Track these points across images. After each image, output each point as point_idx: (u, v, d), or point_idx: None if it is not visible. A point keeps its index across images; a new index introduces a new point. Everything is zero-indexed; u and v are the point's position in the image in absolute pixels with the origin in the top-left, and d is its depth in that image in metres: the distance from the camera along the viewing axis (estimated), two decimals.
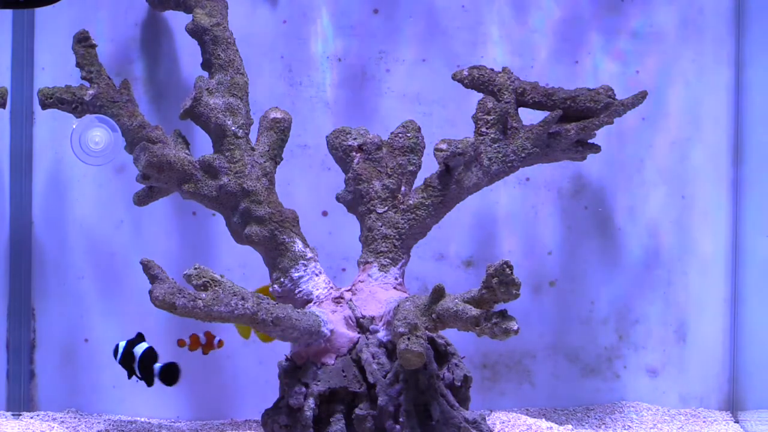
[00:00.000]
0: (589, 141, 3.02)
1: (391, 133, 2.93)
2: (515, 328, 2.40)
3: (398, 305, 2.63)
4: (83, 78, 2.96)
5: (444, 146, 2.87)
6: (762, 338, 3.31)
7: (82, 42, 2.97)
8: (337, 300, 2.81)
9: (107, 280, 3.20)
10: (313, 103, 3.23)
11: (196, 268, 2.59)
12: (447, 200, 2.90)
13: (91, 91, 2.94)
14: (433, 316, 2.54)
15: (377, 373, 2.67)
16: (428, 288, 2.91)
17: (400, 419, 2.64)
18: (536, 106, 3.00)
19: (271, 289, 2.85)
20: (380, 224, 2.87)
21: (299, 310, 2.69)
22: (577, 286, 3.32)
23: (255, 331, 2.87)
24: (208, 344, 2.95)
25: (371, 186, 2.88)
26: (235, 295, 2.57)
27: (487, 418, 2.86)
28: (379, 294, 2.80)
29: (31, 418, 3.13)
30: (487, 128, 2.95)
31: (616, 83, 3.08)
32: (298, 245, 2.84)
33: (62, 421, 3.11)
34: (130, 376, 2.85)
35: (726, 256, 3.33)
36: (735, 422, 3.26)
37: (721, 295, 3.34)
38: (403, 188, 2.89)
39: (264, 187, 2.85)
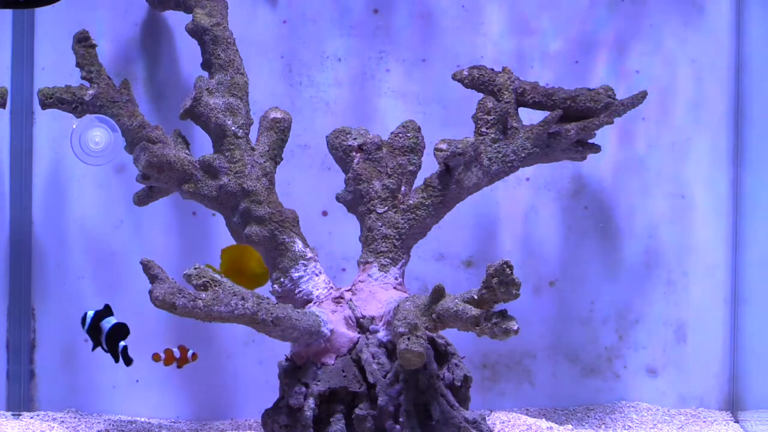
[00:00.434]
0: (589, 141, 3.02)
1: (391, 133, 2.93)
2: (515, 328, 2.40)
3: (398, 305, 2.63)
4: (83, 78, 2.96)
5: (444, 146, 2.87)
6: (762, 338, 3.31)
7: (82, 42, 2.97)
8: (337, 300, 2.81)
9: (107, 280, 3.20)
10: (313, 103, 3.23)
11: (196, 268, 2.59)
12: (447, 200, 2.90)
13: (91, 91, 2.94)
14: (433, 316, 2.54)
15: (377, 373, 2.67)
16: (428, 288, 2.91)
17: (400, 419, 2.64)
18: (536, 106, 3.00)
19: (270, 289, 2.85)
20: (380, 224, 2.87)
21: (299, 310, 2.69)
22: (577, 286, 3.32)
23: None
24: (182, 358, 2.94)
25: (371, 186, 2.88)
26: (235, 295, 2.57)
27: (487, 418, 2.86)
28: (379, 294, 2.80)
29: (31, 418, 3.13)
30: (487, 128, 2.95)
31: (616, 83, 3.08)
32: (298, 245, 2.84)
33: (62, 421, 3.11)
34: (94, 348, 2.83)
35: (726, 256, 3.33)
36: (735, 422, 3.26)
37: (721, 295, 3.34)
38: (403, 188, 2.89)
39: (264, 187, 2.85)
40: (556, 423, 3.11)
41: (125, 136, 2.92)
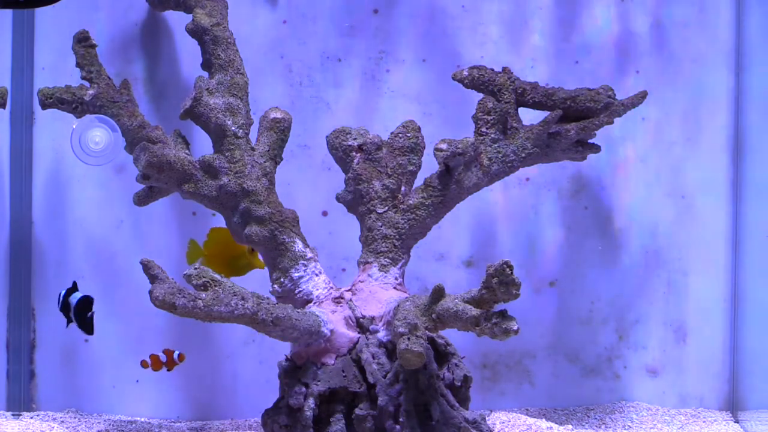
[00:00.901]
0: (589, 141, 3.02)
1: (391, 133, 2.93)
2: (515, 328, 2.40)
3: (398, 305, 2.63)
4: (83, 78, 2.96)
5: (444, 146, 2.87)
6: (762, 338, 3.31)
7: (82, 42, 2.97)
8: (337, 300, 2.81)
9: (107, 280, 3.20)
10: (313, 103, 3.23)
11: (196, 268, 2.59)
12: (447, 200, 2.90)
13: (91, 91, 2.94)
14: (433, 316, 2.54)
15: (377, 373, 2.67)
16: (428, 288, 2.91)
17: (400, 419, 2.64)
18: (536, 106, 3.00)
19: (270, 289, 2.85)
20: (380, 224, 2.87)
21: (299, 310, 2.69)
22: (577, 286, 3.32)
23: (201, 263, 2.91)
24: (169, 361, 2.95)
25: (371, 186, 2.88)
26: (235, 295, 2.57)
27: (487, 418, 2.86)
28: (379, 294, 2.80)
29: (31, 418, 3.13)
30: (487, 128, 2.95)
31: (616, 83, 3.08)
32: (298, 245, 2.84)
33: (62, 421, 3.11)
34: (68, 324, 2.85)
35: (726, 256, 3.33)
36: (735, 422, 3.26)
37: (721, 295, 3.34)
38: (403, 188, 2.89)
39: (264, 187, 2.85)
40: (556, 423, 3.11)
41: (125, 136, 2.92)
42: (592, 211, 3.32)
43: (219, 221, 2.94)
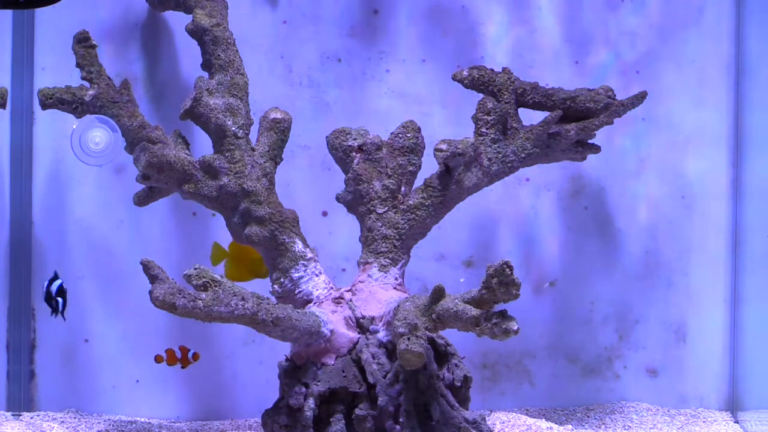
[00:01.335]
0: (589, 141, 3.02)
1: (391, 134, 2.93)
2: (515, 328, 2.40)
3: (398, 305, 2.63)
4: (83, 78, 2.96)
5: (444, 146, 2.87)
6: (762, 338, 3.31)
7: (82, 42, 2.97)
8: (337, 300, 2.81)
9: (107, 280, 3.20)
10: (313, 104, 3.23)
11: (196, 269, 2.59)
12: (447, 200, 2.90)
13: (91, 92, 2.94)
14: (433, 316, 2.54)
15: (377, 374, 2.67)
16: (428, 288, 2.91)
17: (400, 419, 2.64)
18: (536, 106, 3.00)
19: (270, 289, 2.85)
20: (380, 224, 2.87)
21: (299, 311, 2.69)
22: (577, 286, 3.32)
23: (225, 265, 2.95)
24: (183, 358, 2.96)
25: (371, 186, 2.88)
26: (235, 296, 2.57)
27: (487, 418, 2.86)
28: (379, 294, 2.80)
29: (31, 418, 3.13)
30: (487, 128, 2.95)
31: (616, 83, 3.08)
32: (298, 245, 2.84)
33: (62, 421, 3.11)
34: (52, 313, 2.89)
35: (726, 256, 3.33)
36: (735, 422, 3.26)
37: (721, 295, 3.34)
38: (403, 188, 2.89)
39: (264, 188, 2.85)
40: (556, 423, 3.11)
41: (125, 137, 2.92)
42: (592, 211, 3.32)
43: (219, 221, 2.94)
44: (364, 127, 2.95)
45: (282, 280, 2.83)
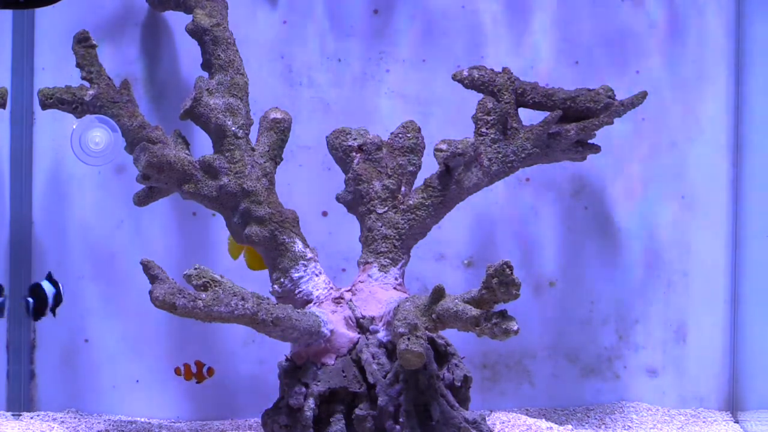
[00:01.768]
0: (589, 141, 3.02)
1: (391, 134, 2.93)
2: (515, 328, 2.40)
3: (398, 305, 2.63)
4: (83, 78, 2.96)
5: (444, 146, 2.87)
6: (762, 338, 3.31)
7: (82, 42, 2.97)
8: (337, 300, 2.81)
9: (107, 280, 3.20)
10: (313, 104, 3.23)
11: (196, 269, 2.59)
12: (447, 200, 2.90)
13: (91, 92, 2.94)
14: (433, 316, 2.54)
15: (377, 374, 2.67)
16: (428, 288, 2.91)
17: (400, 419, 2.64)
18: (536, 106, 3.00)
19: (270, 289, 2.85)
20: (380, 224, 2.87)
21: (299, 311, 2.69)
22: (577, 286, 3.32)
23: (244, 255, 2.92)
24: (199, 373, 2.97)
25: (371, 186, 2.88)
26: (235, 296, 2.57)
27: (487, 418, 2.86)
28: (379, 294, 2.80)
29: (31, 418, 3.13)
30: (487, 128, 2.95)
31: (616, 83, 3.08)
32: (298, 245, 2.84)
33: (62, 421, 3.11)
34: (54, 314, 2.91)
35: (726, 256, 3.33)
36: (735, 422, 3.26)
37: (721, 296, 3.34)
38: (403, 188, 2.89)
39: (264, 188, 2.85)
40: (556, 423, 3.11)
41: (125, 137, 2.92)
42: (592, 211, 3.32)
43: (219, 221, 2.94)
44: (364, 127, 2.95)
45: (282, 280, 2.83)
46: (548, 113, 2.96)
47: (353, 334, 2.74)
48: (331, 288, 2.85)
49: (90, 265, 3.20)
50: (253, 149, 2.88)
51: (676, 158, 3.32)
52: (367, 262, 2.86)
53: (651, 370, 3.34)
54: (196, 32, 2.97)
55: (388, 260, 2.86)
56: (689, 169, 3.33)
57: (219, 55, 2.94)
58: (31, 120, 3.16)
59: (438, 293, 2.53)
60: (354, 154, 2.90)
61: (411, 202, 2.88)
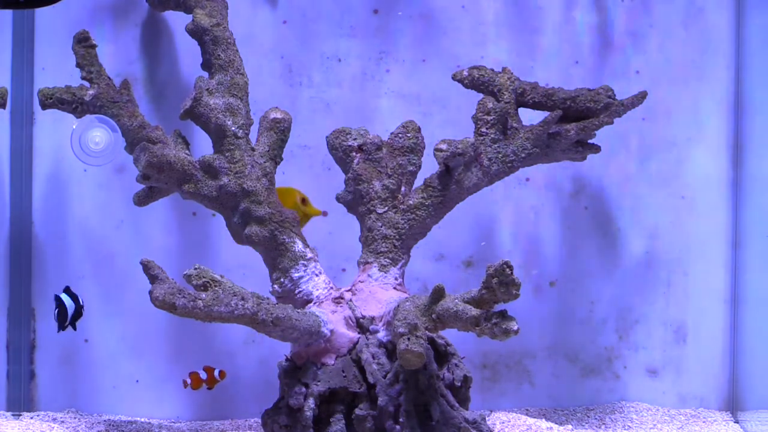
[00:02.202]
0: (589, 141, 3.02)
1: (391, 134, 2.93)
2: (515, 328, 2.40)
3: (398, 305, 2.63)
4: (83, 78, 2.96)
5: (444, 146, 2.87)
6: (762, 338, 3.31)
7: (82, 42, 2.97)
8: (337, 300, 2.81)
9: (107, 280, 3.20)
10: (313, 104, 3.23)
11: (196, 269, 2.59)
12: (447, 200, 2.90)
13: (91, 92, 2.94)
14: (433, 316, 2.54)
15: (377, 374, 2.67)
16: (428, 288, 2.91)
17: (400, 419, 2.64)
18: (536, 106, 3.00)
19: (270, 289, 2.85)
20: (380, 224, 2.87)
21: (299, 311, 2.69)
22: (577, 286, 3.32)
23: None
24: (209, 379, 2.95)
25: (371, 186, 2.88)
26: (235, 296, 2.57)
27: (487, 418, 2.86)
28: (379, 294, 2.80)
29: (31, 418, 3.13)
30: (487, 128, 2.95)
31: (616, 83, 3.08)
32: (298, 245, 2.84)
33: (62, 421, 3.11)
34: (75, 328, 2.91)
35: (726, 256, 3.33)
36: (735, 422, 3.26)
37: (721, 296, 3.34)
38: (403, 188, 2.89)
39: (264, 188, 2.85)
40: (556, 423, 3.11)
41: (125, 137, 2.92)
42: (592, 211, 3.32)
43: (219, 221, 2.94)
44: (364, 127, 2.95)
45: (282, 280, 2.83)
46: (548, 113, 2.96)
47: (353, 334, 2.74)
48: (331, 288, 2.85)
49: (90, 265, 3.20)
50: (253, 149, 2.88)
51: (676, 158, 3.32)
52: (367, 262, 2.86)
53: (651, 370, 3.34)
54: (196, 32, 2.97)
55: (388, 260, 2.86)
56: (689, 169, 3.33)
57: (219, 55, 2.94)
58: (31, 120, 3.16)
59: (438, 293, 2.53)
60: (354, 154, 2.90)
61: (411, 202, 2.88)
